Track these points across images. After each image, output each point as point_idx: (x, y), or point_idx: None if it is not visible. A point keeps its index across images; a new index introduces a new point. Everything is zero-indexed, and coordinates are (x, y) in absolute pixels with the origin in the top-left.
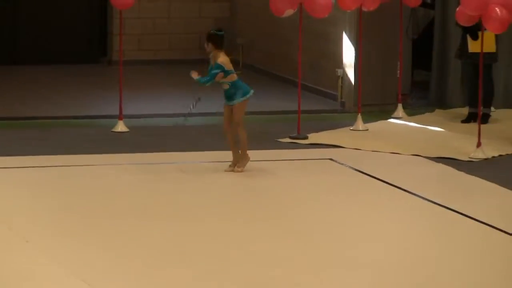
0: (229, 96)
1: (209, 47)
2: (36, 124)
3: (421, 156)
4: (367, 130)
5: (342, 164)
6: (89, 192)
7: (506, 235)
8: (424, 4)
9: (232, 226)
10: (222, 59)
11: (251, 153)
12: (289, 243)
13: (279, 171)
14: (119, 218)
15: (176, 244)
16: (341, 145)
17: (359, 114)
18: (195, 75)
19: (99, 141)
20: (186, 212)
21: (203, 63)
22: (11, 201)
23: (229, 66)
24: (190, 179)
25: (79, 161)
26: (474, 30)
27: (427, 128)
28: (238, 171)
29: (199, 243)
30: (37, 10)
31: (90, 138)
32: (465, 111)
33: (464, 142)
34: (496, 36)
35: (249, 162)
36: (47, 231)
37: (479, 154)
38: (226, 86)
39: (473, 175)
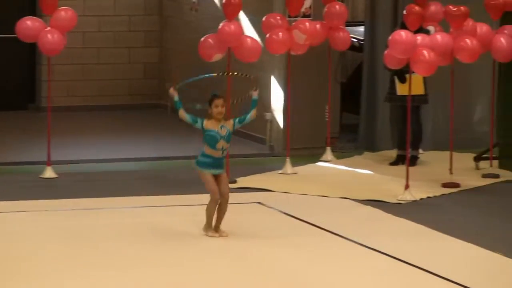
0: None
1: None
2: None
3: (349, 198)
4: (296, 173)
5: (270, 207)
6: (18, 238)
7: (436, 277)
8: (352, 48)
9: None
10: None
11: (176, 197)
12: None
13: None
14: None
15: None
16: (269, 188)
17: (288, 157)
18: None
19: (27, 187)
20: (118, 259)
21: (132, 109)
22: None
23: (207, 126)
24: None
25: (6, 208)
26: (402, 73)
27: (356, 171)
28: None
29: None
30: None
31: (18, 184)
32: (393, 153)
33: (392, 184)
34: (425, 78)
35: (177, 207)
36: None
37: (407, 196)
38: None
39: (401, 217)
